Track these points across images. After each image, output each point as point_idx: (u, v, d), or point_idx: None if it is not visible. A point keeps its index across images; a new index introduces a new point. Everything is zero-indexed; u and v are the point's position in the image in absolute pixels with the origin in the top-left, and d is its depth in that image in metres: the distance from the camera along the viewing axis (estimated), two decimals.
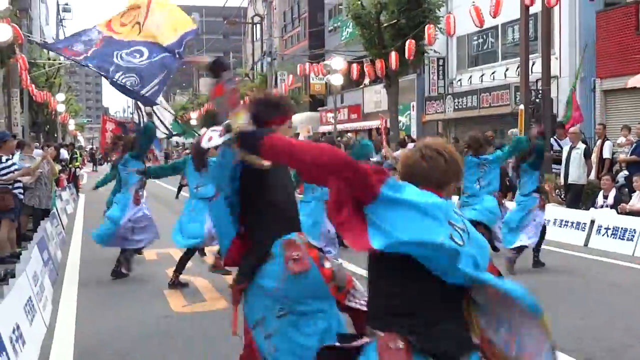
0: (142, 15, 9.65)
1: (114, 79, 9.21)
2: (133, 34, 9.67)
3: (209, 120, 64.94)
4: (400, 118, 31.34)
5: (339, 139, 31.97)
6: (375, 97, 37.85)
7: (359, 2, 27.09)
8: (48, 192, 14.75)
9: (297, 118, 48.21)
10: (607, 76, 22.72)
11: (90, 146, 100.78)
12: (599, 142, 16.76)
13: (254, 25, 57.39)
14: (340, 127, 37.87)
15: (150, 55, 9.38)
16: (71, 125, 68.89)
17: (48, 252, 10.16)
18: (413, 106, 34.23)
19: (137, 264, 10.85)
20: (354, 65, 30.12)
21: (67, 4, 67.84)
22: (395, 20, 25.77)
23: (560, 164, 16.26)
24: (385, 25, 26.24)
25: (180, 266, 9.56)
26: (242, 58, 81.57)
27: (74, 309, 8.41)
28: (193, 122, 67.37)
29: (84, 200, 25.07)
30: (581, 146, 15.54)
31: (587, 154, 15.53)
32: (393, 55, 24.49)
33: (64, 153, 28.75)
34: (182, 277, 9.64)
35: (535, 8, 19.32)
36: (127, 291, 9.44)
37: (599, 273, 10.70)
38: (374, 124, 37.09)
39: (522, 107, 18.47)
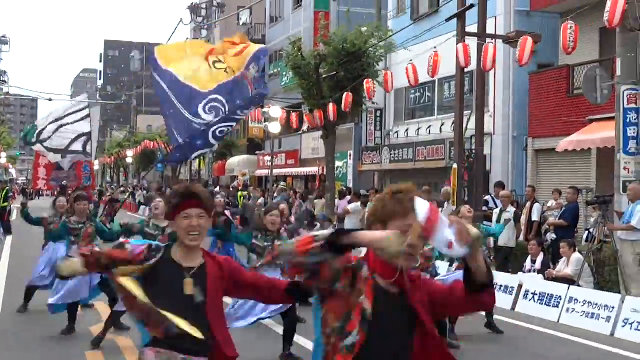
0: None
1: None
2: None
3: (145, 159, 64.47)
4: (338, 163, 31.51)
5: (275, 186, 32.00)
6: (313, 143, 37.98)
7: (299, 53, 27.28)
8: None
9: (234, 161, 48.15)
10: (539, 136, 23.20)
11: (23, 179, 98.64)
12: (528, 205, 17.04)
13: None
14: (276, 172, 37.84)
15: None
16: (2, 158, 67.45)
17: None
18: (350, 155, 34.42)
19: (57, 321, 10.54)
20: (293, 113, 30.27)
21: (4, 36, 66.96)
22: (334, 73, 26.00)
23: (490, 221, 16.46)
24: (324, 76, 26.45)
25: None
26: None
27: None
28: (129, 159, 66.70)
29: (10, 242, 24.39)
30: (511, 209, 15.80)
31: (516, 218, 15.80)
32: (331, 107, 24.67)
33: None
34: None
35: (472, 66, 19.68)
36: (46, 350, 9.15)
37: (525, 342, 10.78)
38: (311, 170, 37.24)
39: (455, 165, 18.72)
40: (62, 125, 19.82)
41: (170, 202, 4.24)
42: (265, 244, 8.79)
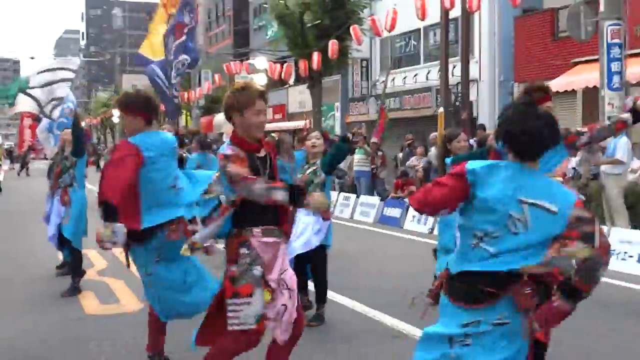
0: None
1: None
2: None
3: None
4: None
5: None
6: (299, 97, 37.90)
7: (283, 2, 27.12)
8: None
9: (222, 117, 47.95)
10: (525, 80, 23.22)
11: (9, 143, 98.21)
12: None
13: None
14: None
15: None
16: None
17: None
18: (337, 107, 34.40)
19: (50, 264, 10.65)
20: (278, 65, 30.12)
21: None
22: (319, 21, 25.87)
23: None
24: (308, 25, 26.33)
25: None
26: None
27: None
28: (115, 119, 66.34)
29: None
30: None
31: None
32: (315, 55, 24.59)
33: None
34: (98, 279, 9.52)
35: (456, 12, 19.66)
36: (40, 292, 9.23)
37: None
38: (298, 124, 37.19)
39: (441, 110, 18.76)
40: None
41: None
42: None
